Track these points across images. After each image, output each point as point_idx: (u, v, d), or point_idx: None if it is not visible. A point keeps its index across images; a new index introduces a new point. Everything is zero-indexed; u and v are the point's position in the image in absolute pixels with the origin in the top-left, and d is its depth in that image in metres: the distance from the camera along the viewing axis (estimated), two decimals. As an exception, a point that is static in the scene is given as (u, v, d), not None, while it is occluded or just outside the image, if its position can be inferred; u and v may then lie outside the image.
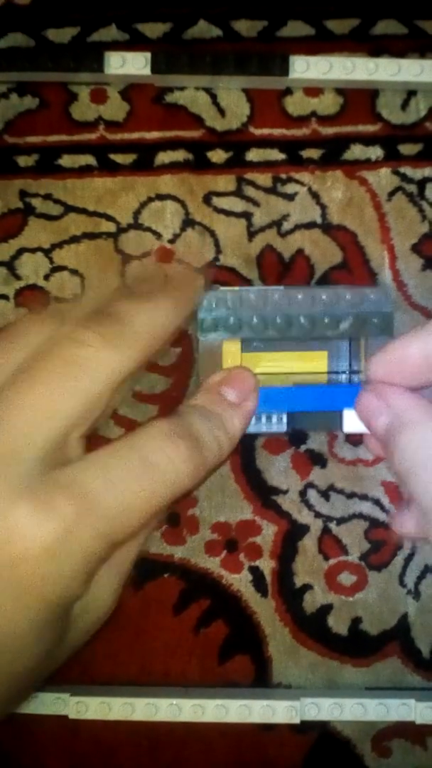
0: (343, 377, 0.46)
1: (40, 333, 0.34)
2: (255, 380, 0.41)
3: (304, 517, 0.59)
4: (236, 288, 0.46)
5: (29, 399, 0.32)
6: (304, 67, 0.58)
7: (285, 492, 0.59)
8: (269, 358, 0.45)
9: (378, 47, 0.61)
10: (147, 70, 0.58)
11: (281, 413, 0.45)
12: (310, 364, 0.45)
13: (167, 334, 0.36)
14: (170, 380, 0.59)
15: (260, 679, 0.59)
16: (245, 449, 0.59)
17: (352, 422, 0.43)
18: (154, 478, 0.33)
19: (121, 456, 0.34)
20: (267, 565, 0.59)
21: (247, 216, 0.61)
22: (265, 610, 0.59)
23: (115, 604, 0.38)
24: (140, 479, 0.33)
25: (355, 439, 0.59)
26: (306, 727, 0.58)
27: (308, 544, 0.59)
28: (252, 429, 0.44)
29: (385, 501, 0.59)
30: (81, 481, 0.32)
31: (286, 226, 0.61)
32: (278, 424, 0.44)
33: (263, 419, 0.44)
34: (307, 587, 0.59)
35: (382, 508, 0.59)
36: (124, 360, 0.34)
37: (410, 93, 0.61)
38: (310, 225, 0.61)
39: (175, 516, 0.59)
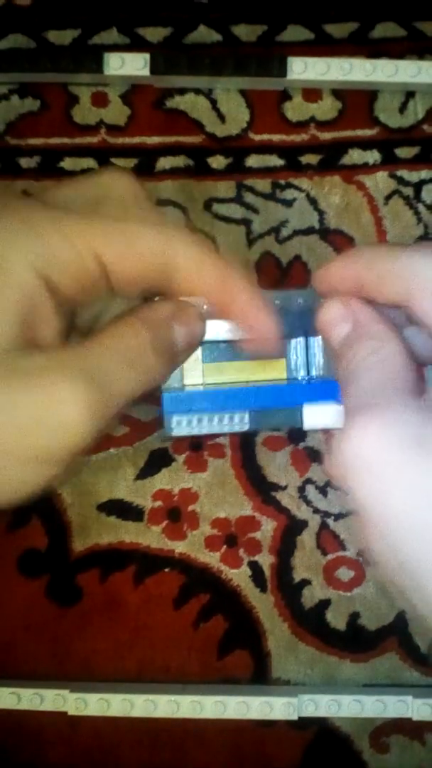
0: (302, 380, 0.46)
1: None
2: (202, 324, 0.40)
3: (302, 512, 0.59)
4: None
5: None
6: (302, 68, 0.58)
7: (284, 488, 0.59)
8: (230, 368, 0.46)
9: (377, 50, 0.61)
10: (146, 71, 0.58)
11: (243, 413, 0.46)
12: (270, 373, 0.46)
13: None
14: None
15: (259, 674, 0.58)
16: (245, 446, 0.59)
17: (311, 418, 0.44)
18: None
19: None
20: (266, 560, 0.59)
21: (246, 223, 0.61)
22: (264, 605, 0.59)
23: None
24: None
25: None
26: (305, 723, 0.57)
27: (307, 539, 0.59)
28: (215, 429, 0.45)
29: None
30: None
31: (285, 232, 0.61)
32: (240, 423, 0.45)
33: (226, 419, 0.45)
34: (305, 582, 0.59)
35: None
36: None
37: (408, 95, 0.61)
38: (308, 231, 0.61)
39: (175, 511, 0.59)
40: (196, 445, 0.59)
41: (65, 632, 0.59)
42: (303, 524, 0.59)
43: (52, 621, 0.59)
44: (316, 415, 0.44)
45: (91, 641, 0.59)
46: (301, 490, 0.59)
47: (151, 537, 0.59)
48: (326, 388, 0.46)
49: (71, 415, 0.30)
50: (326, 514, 0.59)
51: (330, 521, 0.59)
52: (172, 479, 0.59)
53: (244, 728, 0.58)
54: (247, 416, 0.45)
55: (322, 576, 0.59)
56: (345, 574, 0.59)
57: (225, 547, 0.59)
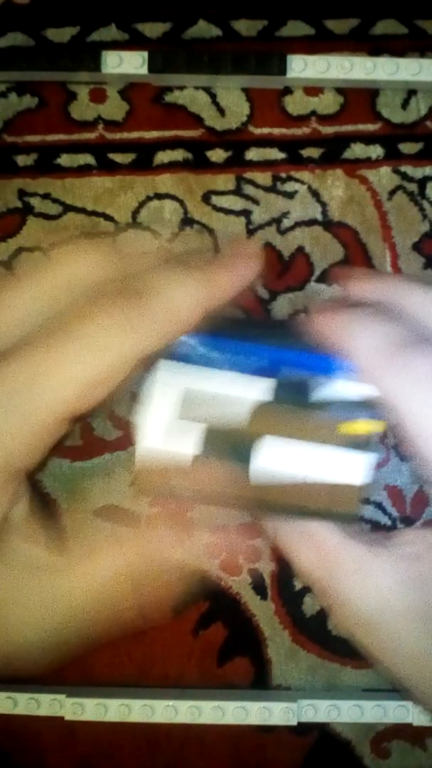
0: None
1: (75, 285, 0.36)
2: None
3: (303, 519, 0.60)
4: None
5: (45, 363, 0.33)
6: (302, 67, 0.59)
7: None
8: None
9: (378, 47, 0.62)
10: (144, 70, 0.59)
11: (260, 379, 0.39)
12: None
13: (195, 319, 0.37)
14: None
15: (260, 682, 0.60)
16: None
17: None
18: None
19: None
20: (266, 567, 0.60)
21: (246, 214, 0.62)
22: (264, 613, 0.60)
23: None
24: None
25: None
26: (305, 728, 0.59)
27: (308, 546, 0.60)
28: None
29: (388, 505, 0.60)
30: None
31: (286, 223, 0.62)
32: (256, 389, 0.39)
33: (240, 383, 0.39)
34: (306, 590, 0.60)
35: (384, 511, 0.61)
36: (141, 343, 0.35)
37: (410, 92, 0.62)
38: (311, 222, 0.62)
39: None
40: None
41: (63, 638, 0.60)
42: (304, 531, 0.60)
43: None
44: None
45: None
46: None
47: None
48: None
49: None
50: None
51: (332, 527, 0.60)
52: (169, 485, 0.60)
53: (244, 734, 0.60)
54: (265, 385, 0.39)
55: (323, 582, 0.60)
56: (346, 580, 0.60)
57: (224, 554, 0.60)
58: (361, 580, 0.37)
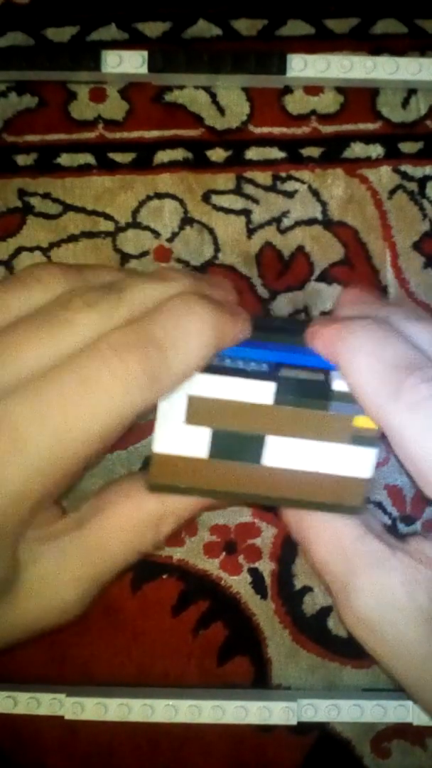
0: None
1: (83, 327, 0.35)
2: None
3: (303, 518, 0.61)
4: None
5: (45, 408, 0.33)
6: (302, 66, 0.59)
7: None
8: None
9: (378, 46, 0.62)
10: (144, 69, 0.60)
11: (267, 381, 0.40)
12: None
13: (197, 368, 0.38)
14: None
15: (259, 681, 0.60)
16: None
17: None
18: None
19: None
20: (266, 567, 0.61)
21: (246, 213, 0.62)
22: (264, 612, 0.61)
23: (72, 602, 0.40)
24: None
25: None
26: (305, 728, 0.59)
27: (308, 545, 0.61)
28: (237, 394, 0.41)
29: (388, 504, 0.61)
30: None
31: (286, 222, 0.62)
32: (263, 388, 0.40)
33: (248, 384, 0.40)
34: (307, 589, 0.61)
35: (385, 511, 0.61)
36: (157, 393, 0.36)
37: (411, 91, 0.62)
38: (311, 221, 0.62)
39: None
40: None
41: (63, 638, 0.61)
42: (304, 530, 0.60)
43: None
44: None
45: (89, 647, 0.61)
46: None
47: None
48: None
49: None
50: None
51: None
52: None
53: (244, 733, 0.60)
54: (273, 386, 0.41)
55: (323, 582, 0.60)
56: (346, 579, 0.60)
57: (224, 553, 0.60)
58: (374, 575, 0.38)
